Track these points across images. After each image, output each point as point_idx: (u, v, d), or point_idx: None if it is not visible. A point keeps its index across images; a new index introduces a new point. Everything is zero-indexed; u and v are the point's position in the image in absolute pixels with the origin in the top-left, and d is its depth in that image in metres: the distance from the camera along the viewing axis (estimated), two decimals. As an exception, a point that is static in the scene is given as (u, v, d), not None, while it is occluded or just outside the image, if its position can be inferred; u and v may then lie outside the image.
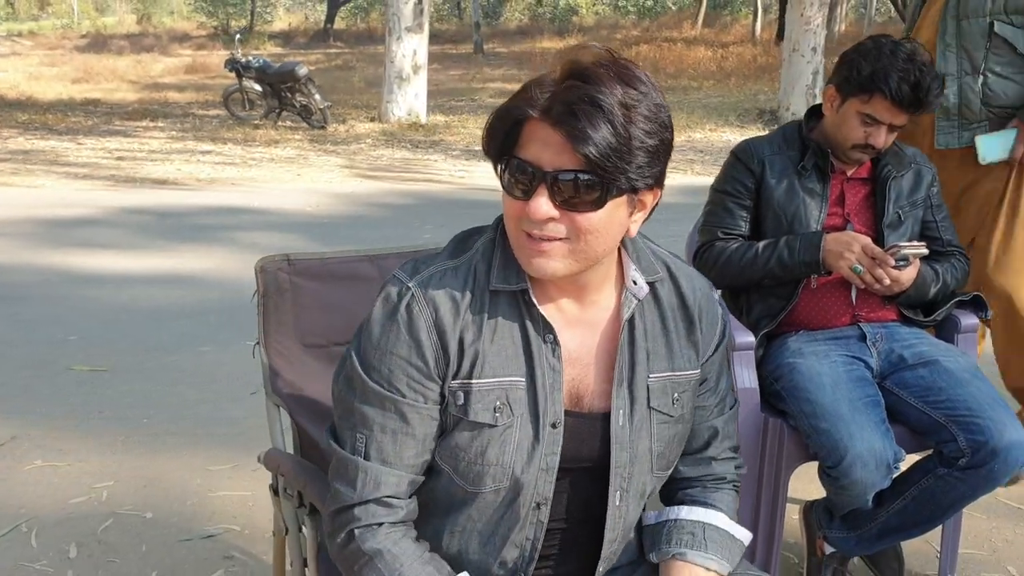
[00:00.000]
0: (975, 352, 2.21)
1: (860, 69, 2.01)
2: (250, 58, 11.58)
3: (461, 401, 1.20)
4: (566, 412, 1.24)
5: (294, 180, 8.42)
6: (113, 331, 4.31)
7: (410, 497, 1.25)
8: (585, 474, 1.28)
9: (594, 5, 34.34)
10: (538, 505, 1.24)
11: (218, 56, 20.24)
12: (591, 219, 1.11)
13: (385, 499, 1.22)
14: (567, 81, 1.09)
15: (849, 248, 2.03)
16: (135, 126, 12.06)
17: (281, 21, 36.34)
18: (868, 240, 2.04)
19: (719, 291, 2.17)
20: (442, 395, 1.22)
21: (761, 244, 2.13)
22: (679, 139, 10.24)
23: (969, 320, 2.21)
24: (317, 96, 11.21)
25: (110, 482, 2.82)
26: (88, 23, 37.13)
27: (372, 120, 12.29)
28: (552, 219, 1.11)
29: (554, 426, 1.22)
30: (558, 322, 1.23)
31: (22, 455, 2.98)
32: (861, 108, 2.03)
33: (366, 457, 1.22)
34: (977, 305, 2.22)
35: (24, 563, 2.39)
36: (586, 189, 1.09)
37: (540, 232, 1.12)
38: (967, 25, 2.49)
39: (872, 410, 1.92)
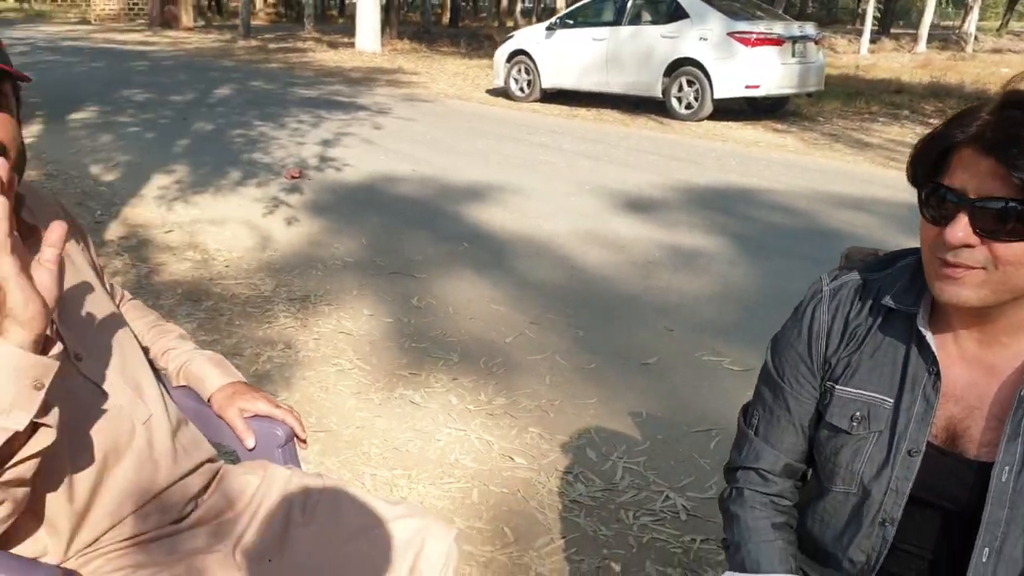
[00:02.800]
0: None
1: None
2: None
3: (826, 401, 1.28)
4: (937, 448, 1.22)
5: None
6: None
7: (787, 477, 1.37)
8: (954, 516, 1.23)
9: None
10: (883, 522, 1.24)
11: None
12: (1014, 249, 1.06)
13: (761, 471, 1.37)
14: (1004, 110, 1.05)
15: None
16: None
17: None
18: None
19: None
20: (821, 389, 1.32)
21: None
22: None
23: None
24: None
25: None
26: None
27: None
28: (968, 246, 1.08)
29: (910, 453, 1.21)
30: (952, 355, 1.21)
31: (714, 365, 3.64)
32: None
33: (755, 432, 1.39)
34: None
35: (695, 456, 3.02)
36: (1013, 218, 1.04)
37: (954, 259, 1.10)
38: None
39: None
